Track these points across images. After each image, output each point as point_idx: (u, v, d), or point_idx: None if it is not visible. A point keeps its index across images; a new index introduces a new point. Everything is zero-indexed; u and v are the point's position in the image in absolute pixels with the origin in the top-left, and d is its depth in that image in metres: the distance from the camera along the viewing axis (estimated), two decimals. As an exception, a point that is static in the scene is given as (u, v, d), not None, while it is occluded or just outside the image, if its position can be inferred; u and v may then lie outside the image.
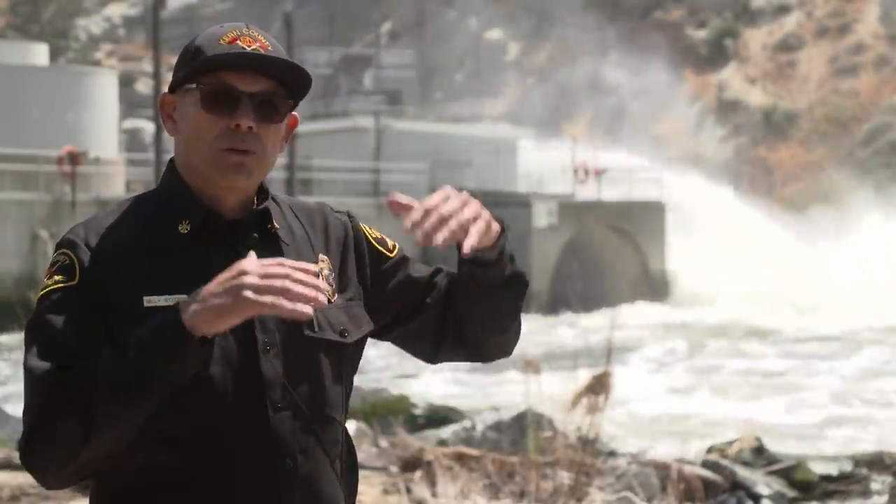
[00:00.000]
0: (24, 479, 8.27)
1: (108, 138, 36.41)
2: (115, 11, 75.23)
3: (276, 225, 2.56)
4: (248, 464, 2.44)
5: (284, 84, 2.51)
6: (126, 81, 56.48)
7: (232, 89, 2.47)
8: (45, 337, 2.42)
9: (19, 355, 20.31)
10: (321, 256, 2.60)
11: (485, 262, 2.52)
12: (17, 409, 12.51)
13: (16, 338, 21.58)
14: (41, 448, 2.37)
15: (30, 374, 2.40)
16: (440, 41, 67.82)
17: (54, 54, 52.22)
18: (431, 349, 2.68)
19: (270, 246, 2.54)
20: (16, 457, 9.12)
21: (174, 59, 2.59)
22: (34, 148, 31.78)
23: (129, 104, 57.44)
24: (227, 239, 2.51)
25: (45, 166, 31.02)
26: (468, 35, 67.84)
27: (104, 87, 36.82)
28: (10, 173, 31.08)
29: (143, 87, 62.86)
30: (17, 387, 16.74)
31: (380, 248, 2.68)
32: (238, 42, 2.48)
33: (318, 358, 2.52)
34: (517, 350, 2.77)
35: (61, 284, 2.45)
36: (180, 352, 2.30)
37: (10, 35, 64.94)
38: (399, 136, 42.17)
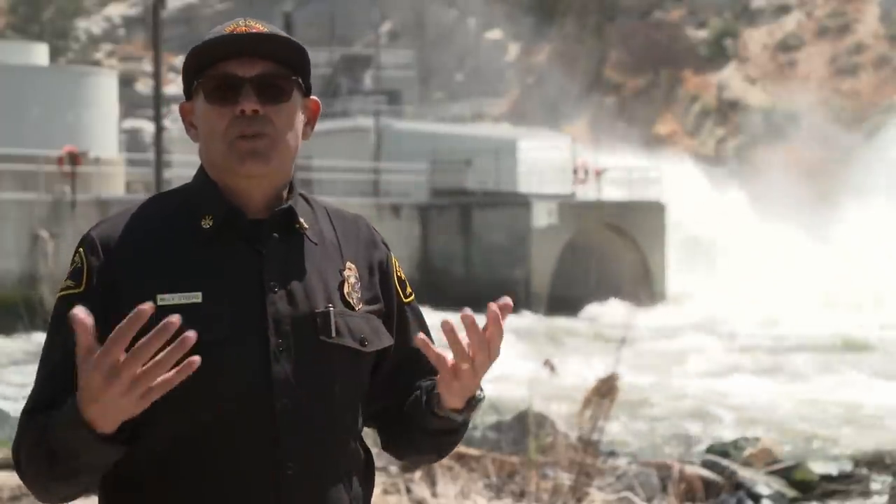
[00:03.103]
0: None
1: (108, 138, 36.40)
2: (115, 11, 75.17)
3: (305, 224, 2.53)
4: (251, 466, 2.42)
5: (286, 63, 2.49)
6: (126, 81, 56.38)
7: (231, 76, 2.46)
8: (45, 352, 2.44)
9: (20, 356, 20.31)
10: (348, 264, 2.55)
11: (442, 417, 2.48)
12: (17, 408, 12.50)
13: (18, 339, 21.49)
14: (25, 473, 2.39)
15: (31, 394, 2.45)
16: (440, 41, 67.81)
17: (54, 54, 52.19)
18: (364, 410, 2.58)
19: (294, 245, 2.51)
20: (16, 457, 9.11)
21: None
22: (34, 148, 31.78)
23: (129, 104, 57.37)
24: (249, 237, 2.48)
25: (45, 166, 31.01)
26: (468, 35, 67.84)
27: (104, 87, 36.82)
28: (10, 173, 31.06)
29: (143, 87, 62.75)
30: (19, 387, 16.72)
31: (399, 288, 2.63)
32: (234, 32, 2.47)
33: (333, 364, 2.47)
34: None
35: (69, 291, 2.45)
36: (84, 447, 2.25)
37: (10, 35, 64.95)
38: (399, 136, 42.17)
